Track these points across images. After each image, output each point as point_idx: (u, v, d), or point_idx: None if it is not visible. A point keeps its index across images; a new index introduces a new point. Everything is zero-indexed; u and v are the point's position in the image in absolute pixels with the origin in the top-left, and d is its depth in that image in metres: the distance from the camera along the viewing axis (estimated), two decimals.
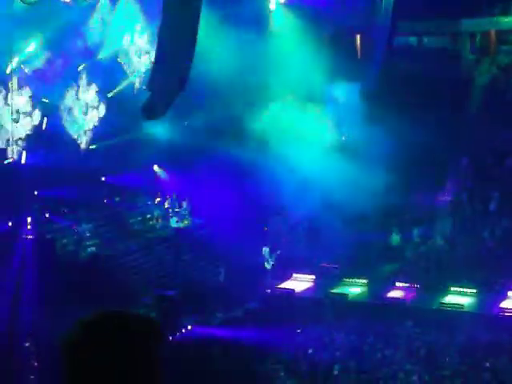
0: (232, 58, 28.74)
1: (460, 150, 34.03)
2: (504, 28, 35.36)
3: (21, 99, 26.26)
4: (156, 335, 3.05)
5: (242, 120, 31.23)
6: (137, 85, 30.34)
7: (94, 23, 28.51)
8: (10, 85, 25.91)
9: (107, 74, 29.71)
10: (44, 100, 27.44)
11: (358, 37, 36.31)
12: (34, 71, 27.34)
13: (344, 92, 33.79)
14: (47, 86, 27.56)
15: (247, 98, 31.35)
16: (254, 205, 31.54)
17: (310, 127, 32.33)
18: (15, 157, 26.55)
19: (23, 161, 26.93)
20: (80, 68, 28.73)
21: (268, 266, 30.50)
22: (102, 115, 28.86)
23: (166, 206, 32.55)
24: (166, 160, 32.48)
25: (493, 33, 35.90)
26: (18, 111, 26.08)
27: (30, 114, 26.48)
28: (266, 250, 30.92)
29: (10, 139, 26.17)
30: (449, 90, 33.31)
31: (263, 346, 24.84)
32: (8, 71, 26.26)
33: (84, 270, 26.28)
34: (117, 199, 31.55)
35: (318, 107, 33.67)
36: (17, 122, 25.96)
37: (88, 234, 28.68)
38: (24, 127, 26.45)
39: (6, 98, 25.97)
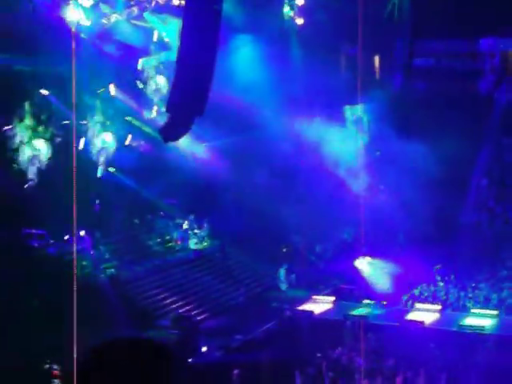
0: (256, 76, 29.14)
1: (480, 169, 33.91)
2: None
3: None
4: (168, 361, 3.06)
5: (265, 141, 31.48)
6: (156, 107, 30.67)
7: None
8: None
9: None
10: None
11: (377, 57, 36.36)
12: None
13: (363, 112, 33.91)
14: None
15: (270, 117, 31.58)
16: (275, 225, 31.64)
17: (337, 147, 32.52)
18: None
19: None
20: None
21: (283, 287, 30.43)
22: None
23: (185, 228, 32.59)
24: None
25: None
26: None
27: None
28: (282, 271, 30.88)
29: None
30: (468, 109, 33.23)
31: (282, 369, 24.68)
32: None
33: (103, 291, 26.30)
34: (136, 221, 31.65)
35: (341, 126, 33.97)
36: None
37: (107, 256, 28.75)
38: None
39: None
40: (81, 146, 28.53)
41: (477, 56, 36.50)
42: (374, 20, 31.45)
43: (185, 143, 28.70)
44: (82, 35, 27.02)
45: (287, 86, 31.14)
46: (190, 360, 24.13)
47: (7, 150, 26.29)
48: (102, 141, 29.31)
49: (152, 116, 30.59)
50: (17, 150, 26.48)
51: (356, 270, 30.19)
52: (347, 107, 34.93)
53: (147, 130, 30.33)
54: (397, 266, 30.60)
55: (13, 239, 26.00)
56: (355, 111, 35.16)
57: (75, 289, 22.57)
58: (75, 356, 20.63)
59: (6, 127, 26.32)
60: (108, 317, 23.49)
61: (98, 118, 29.19)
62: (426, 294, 29.01)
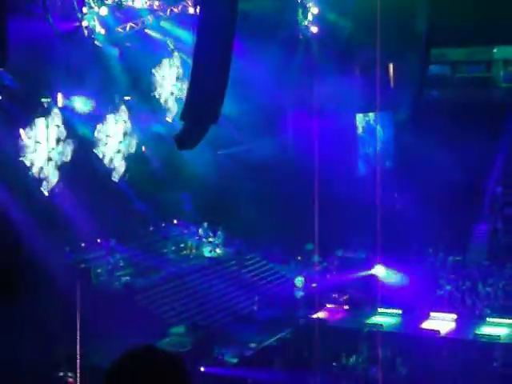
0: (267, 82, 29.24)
1: (495, 177, 33.78)
2: None
3: None
4: (181, 373, 3.10)
5: (281, 148, 31.56)
6: (171, 115, 30.88)
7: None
8: None
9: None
10: None
11: (391, 65, 36.30)
12: None
13: (378, 121, 33.88)
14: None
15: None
16: (289, 233, 31.67)
17: (346, 155, 32.52)
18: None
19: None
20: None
21: (299, 295, 30.35)
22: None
23: (200, 236, 32.60)
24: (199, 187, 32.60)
25: None
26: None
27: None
28: (298, 279, 30.80)
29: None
30: (482, 117, 33.10)
31: (296, 379, 24.61)
32: None
33: (118, 299, 26.33)
34: (150, 228, 31.71)
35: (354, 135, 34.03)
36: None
37: (122, 264, 28.78)
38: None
39: None
40: (97, 152, 28.66)
41: (492, 64, 36.41)
42: (392, 28, 31.48)
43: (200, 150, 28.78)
44: (97, 43, 27.17)
45: (298, 92, 31.17)
46: (203, 368, 24.11)
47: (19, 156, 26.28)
48: (117, 148, 29.45)
49: (168, 123, 30.76)
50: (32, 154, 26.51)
51: (370, 279, 30.06)
52: (359, 115, 34.97)
53: (163, 137, 30.43)
54: (410, 275, 30.48)
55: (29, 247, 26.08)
56: (367, 119, 35.18)
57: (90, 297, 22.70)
58: (90, 364, 20.73)
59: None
60: (123, 324, 23.49)
61: (114, 125, 29.30)
62: (441, 302, 28.88)
